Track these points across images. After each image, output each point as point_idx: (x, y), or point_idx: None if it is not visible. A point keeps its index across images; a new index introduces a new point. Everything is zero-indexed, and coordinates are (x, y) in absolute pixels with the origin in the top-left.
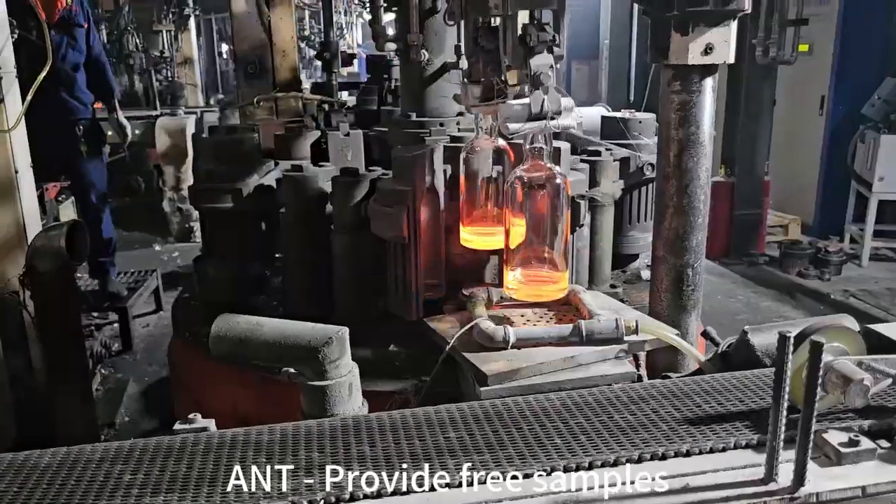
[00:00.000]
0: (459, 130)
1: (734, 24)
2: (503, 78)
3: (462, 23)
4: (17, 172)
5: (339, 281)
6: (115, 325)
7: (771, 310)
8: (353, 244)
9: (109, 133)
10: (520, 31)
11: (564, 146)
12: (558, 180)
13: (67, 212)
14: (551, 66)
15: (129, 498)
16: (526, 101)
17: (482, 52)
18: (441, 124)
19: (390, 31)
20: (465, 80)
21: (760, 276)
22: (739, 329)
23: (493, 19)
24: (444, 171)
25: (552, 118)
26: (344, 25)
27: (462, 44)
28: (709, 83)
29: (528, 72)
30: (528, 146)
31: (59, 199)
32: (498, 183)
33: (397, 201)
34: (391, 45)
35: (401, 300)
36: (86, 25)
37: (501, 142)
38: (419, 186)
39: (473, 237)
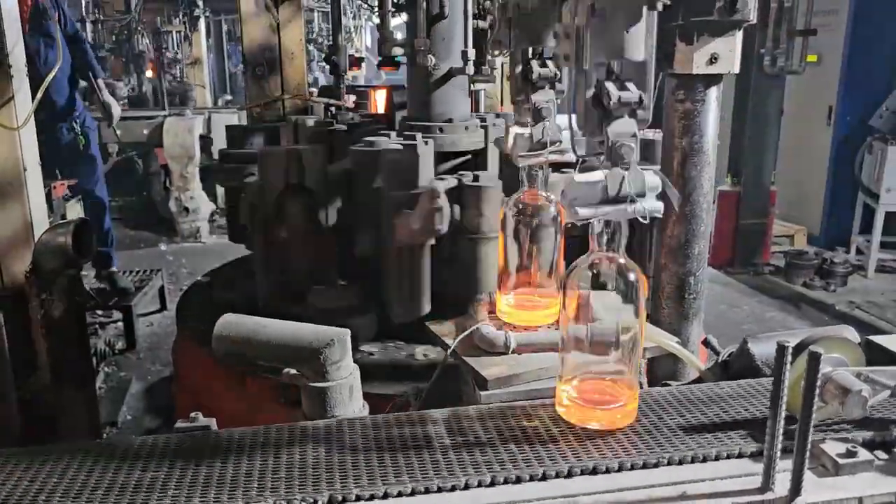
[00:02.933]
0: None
1: (739, 34)
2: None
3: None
4: (25, 170)
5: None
6: (120, 323)
7: (775, 320)
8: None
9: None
10: (593, 89)
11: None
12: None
13: (74, 210)
14: (634, 135)
15: (124, 496)
16: (597, 175)
17: (533, 89)
18: (443, 129)
19: (398, 36)
20: (511, 122)
21: (765, 285)
22: (742, 338)
23: (544, 52)
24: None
25: (632, 200)
26: (352, 29)
27: (510, 78)
28: (713, 93)
29: (605, 141)
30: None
31: (66, 197)
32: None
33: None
34: (398, 50)
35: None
36: (57, 15)
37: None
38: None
39: (511, 310)
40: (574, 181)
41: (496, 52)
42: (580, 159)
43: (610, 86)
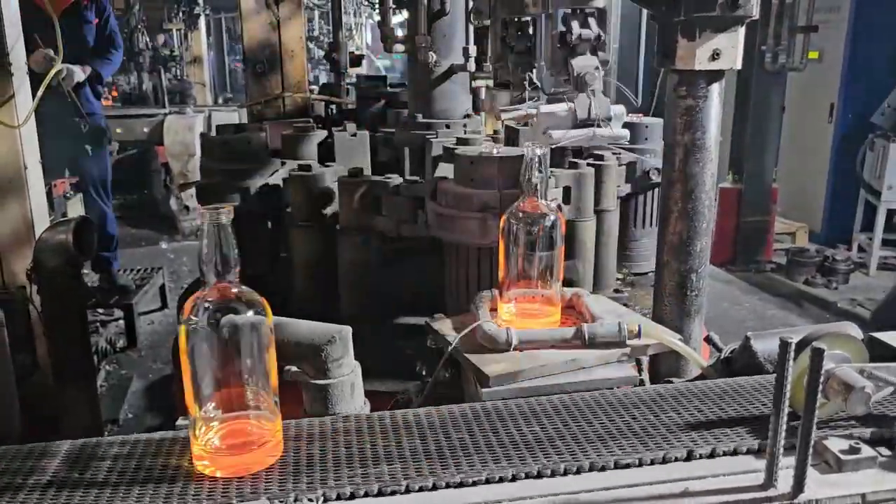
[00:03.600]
0: (466, 132)
1: (742, 30)
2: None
3: (488, 22)
4: (26, 168)
5: (344, 281)
6: (121, 321)
7: (777, 317)
8: (359, 244)
9: (119, 130)
10: (560, 29)
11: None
12: (553, 217)
13: (75, 208)
14: (597, 68)
15: (121, 492)
16: (563, 106)
17: (511, 53)
18: (448, 126)
19: (399, 33)
20: (490, 85)
21: (767, 283)
22: (744, 335)
23: (523, 18)
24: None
25: (599, 124)
26: (353, 26)
27: (490, 44)
28: (715, 89)
29: (571, 74)
30: (524, 179)
31: (68, 195)
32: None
33: (488, 206)
34: (399, 47)
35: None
36: (95, 21)
37: (553, 204)
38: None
39: (513, 319)
40: (543, 111)
41: (475, 22)
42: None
43: (574, 24)
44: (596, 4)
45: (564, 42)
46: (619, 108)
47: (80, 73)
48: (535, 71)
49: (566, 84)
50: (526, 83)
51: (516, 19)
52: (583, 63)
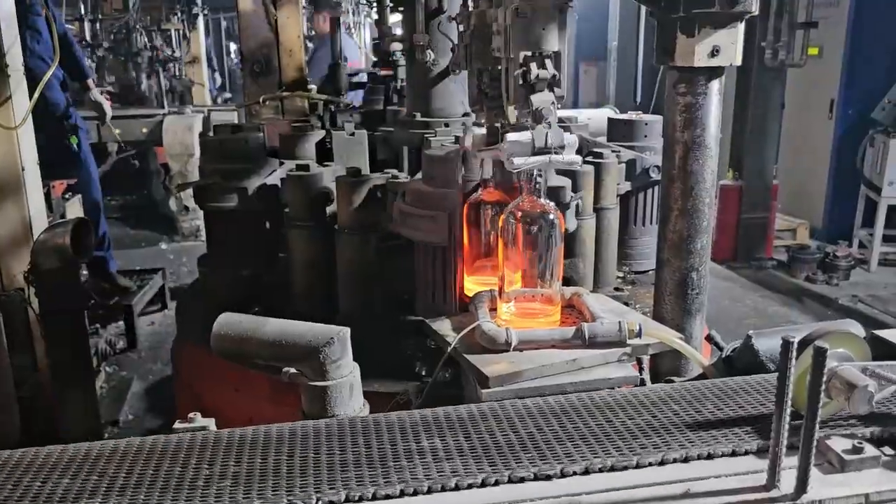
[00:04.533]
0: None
1: (741, 26)
2: (504, 122)
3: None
4: (23, 170)
5: (343, 281)
6: (121, 322)
7: (778, 314)
8: (357, 244)
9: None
10: (521, 69)
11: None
12: (552, 216)
13: (74, 209)
14: (552, 103)
15: (124, 497)
16: (527, 135)
17: (486, 99)
18: (446, 124)
19: (397, 31)
20: (468, 126)
21: (768, 280)
22: (746, 334)
23: (496, 69)
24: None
25: (556, 153)
26: (351, 25)
27: (468, 91)
28: (715, 85)
29: (530, 108)
30: (524, 181)
31: (66, 196)
32: (498, 232)
33: (438, 205)
34: (397, 45)
35: (438, 304)
36: (43, 11)
37: (552, 203)
38: (457, 187)
39: (512, 318)
40: (509, 139)
41: (457, 72)
42: (512, 125)
43: (532, 65)
44: (551, 48)
45: (525, 80)
46: (572, 138)
47: (108, 106)
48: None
49: (527, 116)
50: (499, 125)
51: (489, 69)
52: (540, 99)
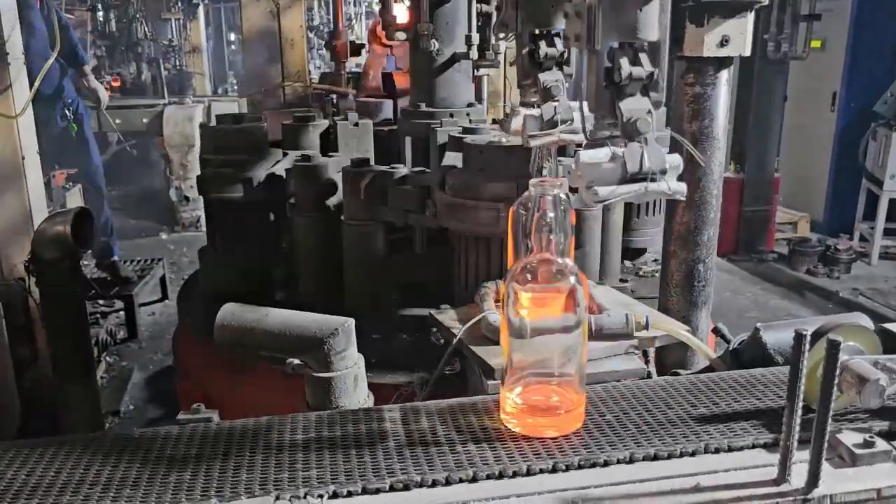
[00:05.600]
0: (470, 121)
1: (751, 16)
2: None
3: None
4: (23, 159)
5: (348, 272)
6: (121, 313)
7: (779, 307)
8: (363, 235)
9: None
10: (606, 65)
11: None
12: (563, 207)
13: (74, 199)
14: (649, 112)
15: (124, 489)
16: (607, 151)
17: (542, 71)
18: (451, 115)
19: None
20: (515, 106)
21: (769, 273)
22: (748, 326)
23: (552, 32)
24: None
25: (653, 178)
26: (353, 16)
27: (517, 61)
28: (724, 76)
29: (619, 118)
30: (534, 169)
31: (66, 186)
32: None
33: (501, 197)
34: (401, 35)
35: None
36: (39, 4)
37: (562, 193)
38: (507, 179)
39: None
40: (584, 161)
41: (501, 36)
42: (589, 139)
43: (623, 61)
44: (648, 37)
45: (611, 80)
46: (676, 159)
47: (104, 93)
48: (572, 103)
49: (611, 127)
50: (556, 105)
51: (545, 31)
52: (633, 106)
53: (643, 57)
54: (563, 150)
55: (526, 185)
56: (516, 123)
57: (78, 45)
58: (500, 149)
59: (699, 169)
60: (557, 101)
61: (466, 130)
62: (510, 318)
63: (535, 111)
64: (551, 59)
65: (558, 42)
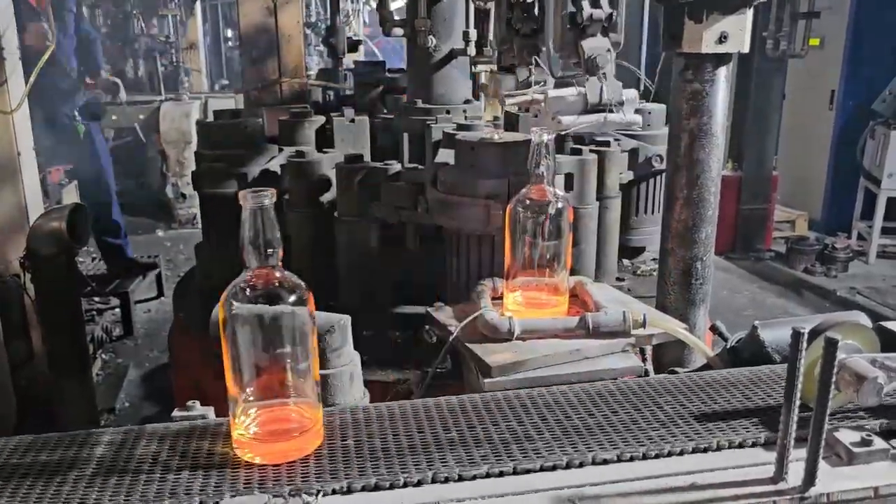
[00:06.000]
0: (466, 118)
1: (750, 13)
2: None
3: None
4: (19, 155)
5: (343, 269)
6: (117, 310)
7: (776, 306)
8: (357, 231)
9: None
10: (570, 9)
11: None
12: (560, 205)
13: (70, 195)
14: (608, 50)
15: (121, 486)
16: (571, 90)
17: (517, 36)
18: (448, 111)
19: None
20: (494, 69)
21: (766, 271)
22: (745, 324)
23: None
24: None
25: (611, 110)
26: (350, 12)
27: (493, 26)
28: (722, 72)
29: (581, 57)
30: (532, 166)
31: (62, 182)
32: (550, 245)
33: (492, 194)
34: (398, 31)
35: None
36: (74, 10)
37: (560, 192)
38: (495, 176)
39: (519, 309)
40: (551, 96)
41: (479, 3)
42: (557, 78)
43: (584, 3)
44: None
45: (574, 23)
46: (632, 93)
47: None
48: (541, 54)
49: (576, 67)
50: (531, 67)
51: (522, 0)
52: (594, 45)
53: (603, 0)
54: (560, 147)
55: (517, 182)
56: (493, 85)
57: (99, 56)
58: (490, 145)
59: (697, 166)
60: (604, 74)
61: (461, 127)
62: None
63: (564, 91)
64: (597, 23)
65: (604, 1)
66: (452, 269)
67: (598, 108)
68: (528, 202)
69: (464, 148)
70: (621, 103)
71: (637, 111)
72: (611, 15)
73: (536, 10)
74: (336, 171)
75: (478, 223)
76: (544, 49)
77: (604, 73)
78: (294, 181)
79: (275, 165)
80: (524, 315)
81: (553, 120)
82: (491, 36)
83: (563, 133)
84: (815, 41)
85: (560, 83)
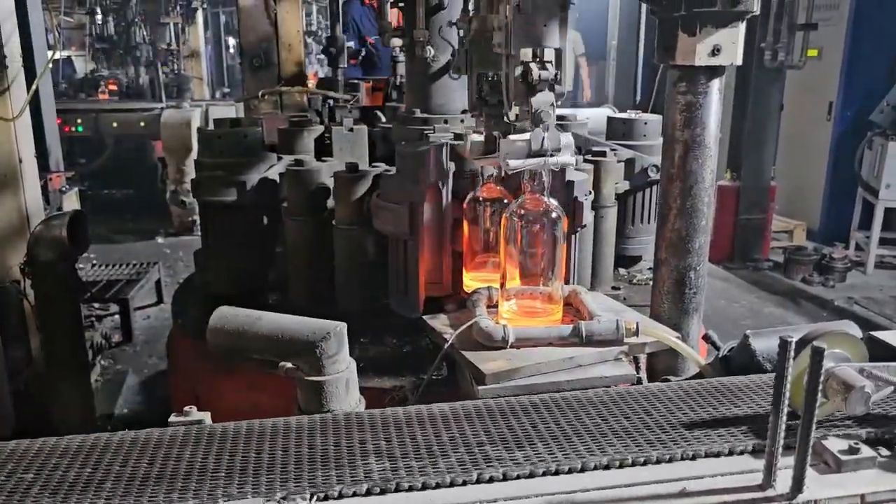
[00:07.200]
0: (466, 128)
1: (742, 26)
2: (501, 132)
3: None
4: (20, 162)
5: (340, 276)
6: (116, 316)
7: (774, 315)
8: (355, 239)
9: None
10: (521, 70)
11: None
12: (555, 215)
13: (71, 202)
14: (552, 105)
15: (117, 490)
16: (526, 136)
17: (486, 105)
18: (445, 121)
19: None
20: (467, 133)
21: (764, 281)
22: (742, 334)
23: (495, 76)
24: (449, 169)
25: (551, 155)
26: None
27: (468, 97)
28: (716, 84)
29: (530, 109)
30: (527, 179)
31: (63, 189)
32: (498, 229)
33: (402, 198)
34: (397, 41)
35: (402, 297)
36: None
37: (554, 202)
38: (424, 182)
39: (513, 317)
40: (508, 140)
41: (455, 77)
42: (512, 124)
43: (533, 66)
44: (553, 45)
45: (526, 80)
46: (567, 139)
47: None
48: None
49: (526, 114)
50: (497, 134)
51: (490, 76)
52: (540, 100)
53: (549, 65)
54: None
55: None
56: (466, 147)
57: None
58: (413, 155)
59: (691, 176)
60: (547, 127)
61: (458, 137)
62: None
63: (517, 137)
64: (543, 81)
65: (550, 65)
66: (390, 272)
67: (540, 153)
68: (522, 212)
69: (399, 156)
70: (558, 150)
71: (625, 122)
72: (556, 75)
73: (502, 78)
74: (334, 180)
75: (394, 225)
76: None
77: (545, 126)
78: (292, 189)
79: (273, 174)
80: (519, 323)
81: (504, 161)
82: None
83: (510, 172)
84: (813, 52)
85: (518, 130)
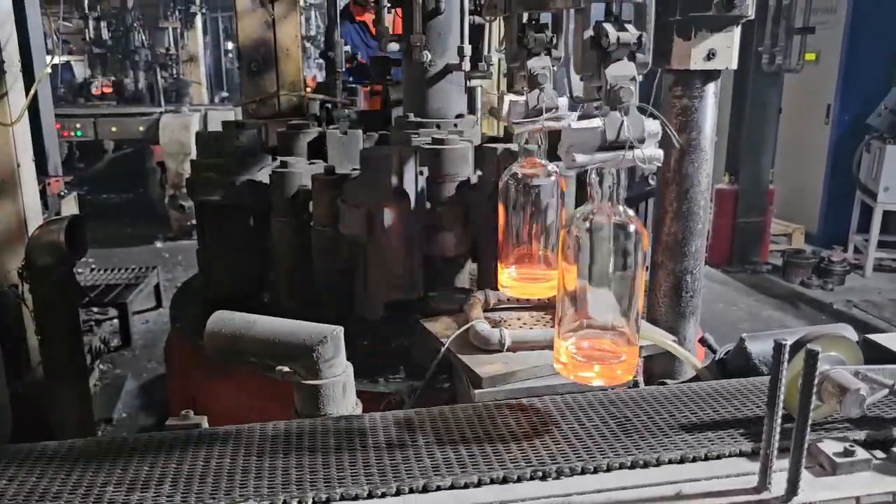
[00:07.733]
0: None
1: (737, 30)
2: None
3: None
4: (19, 166)
5: (318, 278)
6: (115, 320)
7: (772, 319)
8: (330, 241)
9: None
10: (590, 33)
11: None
12: (552, 177)
13: (69, 206)
14: (632, 79)
15: (118, 494)
16: (597, 122)
17: (528, 55)
18: (438, 126)
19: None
20: (504, 90)
21: (763, 284)
22: (739, 337)
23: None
24: (420, 173)
25: (632, 146)
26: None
27: (499, 45)
28: (711, 88)
29: (604, 86)
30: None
31: (61, 193)
32: (543, 218)
33: (361, 200)
34: (394, 46)
35: (363, 299)
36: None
37: (551, 166)
38: (385, 186)
39: (513, 283)
40: (571, 127)
41: (490, 18)
42: (579, 105)
43: (608, 26)
44: None
45: (598, 45)
46: (655, 126)
47: None
48: (557, 73)
49: (597, 92)
50: (542, 91)
51: (535, 18)
52: (618, 73)
53: (629, 25)
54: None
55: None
56: (504, 110)
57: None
58: (373, 159)
59: (686, 180)
60: (626, 109)
61: (436, 141)
62: None
63: (518, 97)
64: (540, 45)
65: (630, 27)
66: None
67: (617, 144)
68: (519, 175)
69: (364, 158)
70: (642, 140)
71: None
72: (640, 37)
73: (550, 30)
74: (312, 182)
75: (353, 227)
76: (556, 70)
77: (626, 107)
78: (276, 191)
79: (263, 175)
80: (518, 290)
81: (567, 154)
82: (486, 51)
83: (577, 170)
84: (811, 56)
85: (581, 110)
